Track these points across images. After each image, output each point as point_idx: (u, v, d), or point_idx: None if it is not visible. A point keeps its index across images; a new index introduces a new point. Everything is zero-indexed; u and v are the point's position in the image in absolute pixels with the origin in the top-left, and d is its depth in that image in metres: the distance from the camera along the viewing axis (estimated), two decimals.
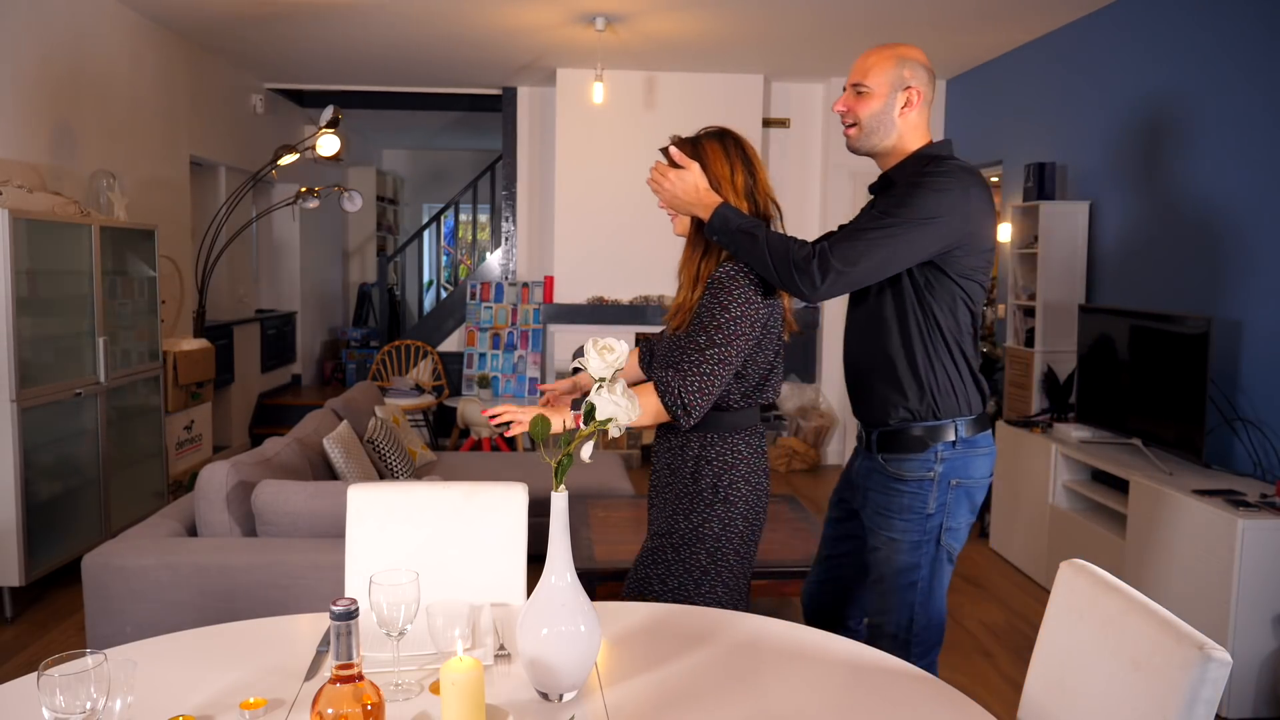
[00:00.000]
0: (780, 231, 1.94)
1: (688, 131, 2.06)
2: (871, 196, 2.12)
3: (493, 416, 1.81)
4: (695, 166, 1.94)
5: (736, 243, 1.88)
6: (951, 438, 1.95)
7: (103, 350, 4.12)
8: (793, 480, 6.23)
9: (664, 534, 2.01)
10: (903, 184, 1.94)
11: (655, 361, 2.05)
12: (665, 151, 1.99)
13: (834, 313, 6.65)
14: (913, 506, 1.97)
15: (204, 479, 2.77)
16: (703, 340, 1.86)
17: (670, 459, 2.03)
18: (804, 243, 1.88)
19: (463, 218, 10.91)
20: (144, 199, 5.15)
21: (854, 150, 2.06)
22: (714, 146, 1.98)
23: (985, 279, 1.98)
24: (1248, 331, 3.61)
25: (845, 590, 2.24)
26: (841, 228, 2.12)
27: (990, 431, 2.03)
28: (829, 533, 2.26)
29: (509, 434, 1.77)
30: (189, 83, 5.72)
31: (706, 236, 1.95)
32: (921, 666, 1.83)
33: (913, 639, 2.00)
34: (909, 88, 1.97)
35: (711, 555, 1.98)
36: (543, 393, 2.17)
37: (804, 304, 2.06)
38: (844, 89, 2.04)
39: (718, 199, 1.93)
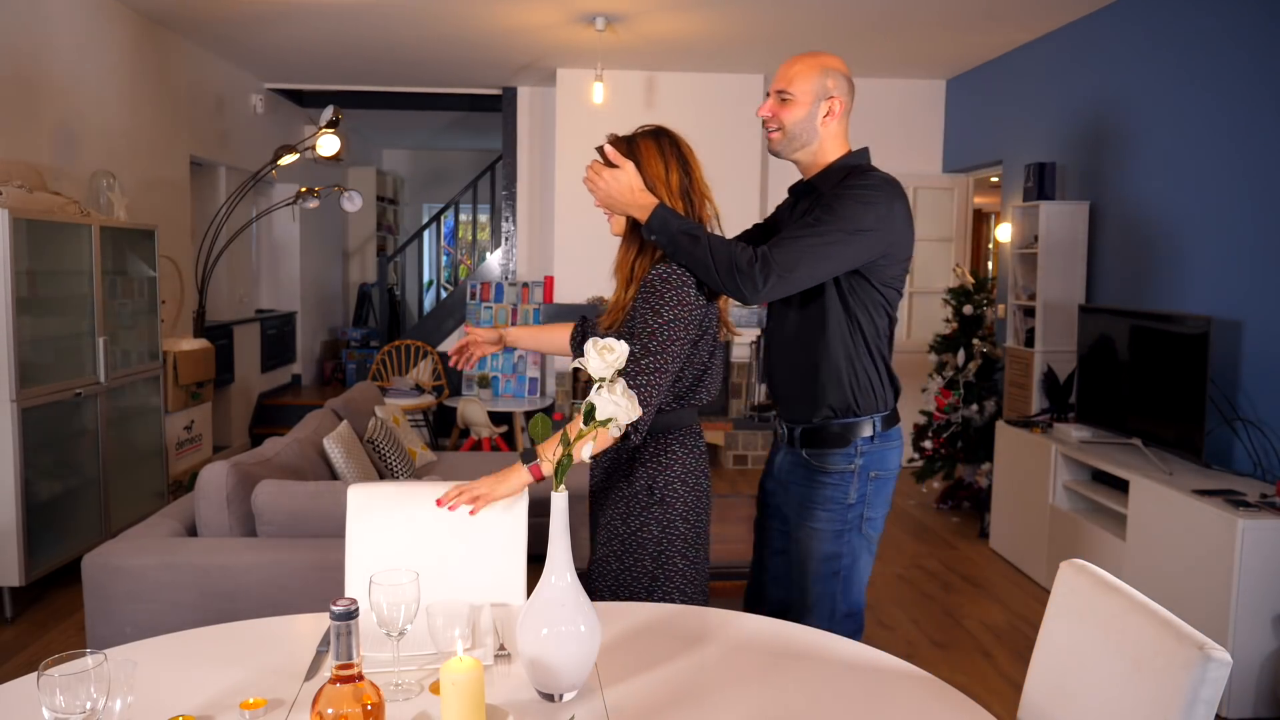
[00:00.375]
0: (717, 232, 1.97)
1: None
2: (790, 197, 2.21)
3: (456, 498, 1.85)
4: (630, 166, 1.93)
5: (676, 244, 1.89)
6: (870, 433, 2.05)
7: (103, 350, 4.12)
8: None
9: (606, 540, 1.99)
10: (832, 193, 1.99)
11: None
12: (601, 150, 1.98)
13: None
14: (834, 497, 2.06)
15: (204, 479, 2.77)
16: (637, 350, 1.85)
17: (607, 462, 2.03)
18: (745, 246, 1.92)
19: (463, 218, 10.91)
20: (144, 199, 5.15)
21: (775, 154, 2.11)
22: (649, 145, 1.96)
23: (903, 286, 2.09)
24: (1248, 331, 3.61)
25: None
26: (757, 226, 2.27)
27: (899, 425, 2.13)
28: (759, 536, 2.29)
29: (473, 514, 1.81)
30: (189, 83, 5.72)
31: (644, 237, 1.94)
32: None
33: (834, 628, 2.04)
34: (831, 97, 2.03)
35: (656, 560, 1.94)
36: (467, 332, 2.23)
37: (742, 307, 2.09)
38: (767, 94, 2.08)
39: (653, 199, 1.92)
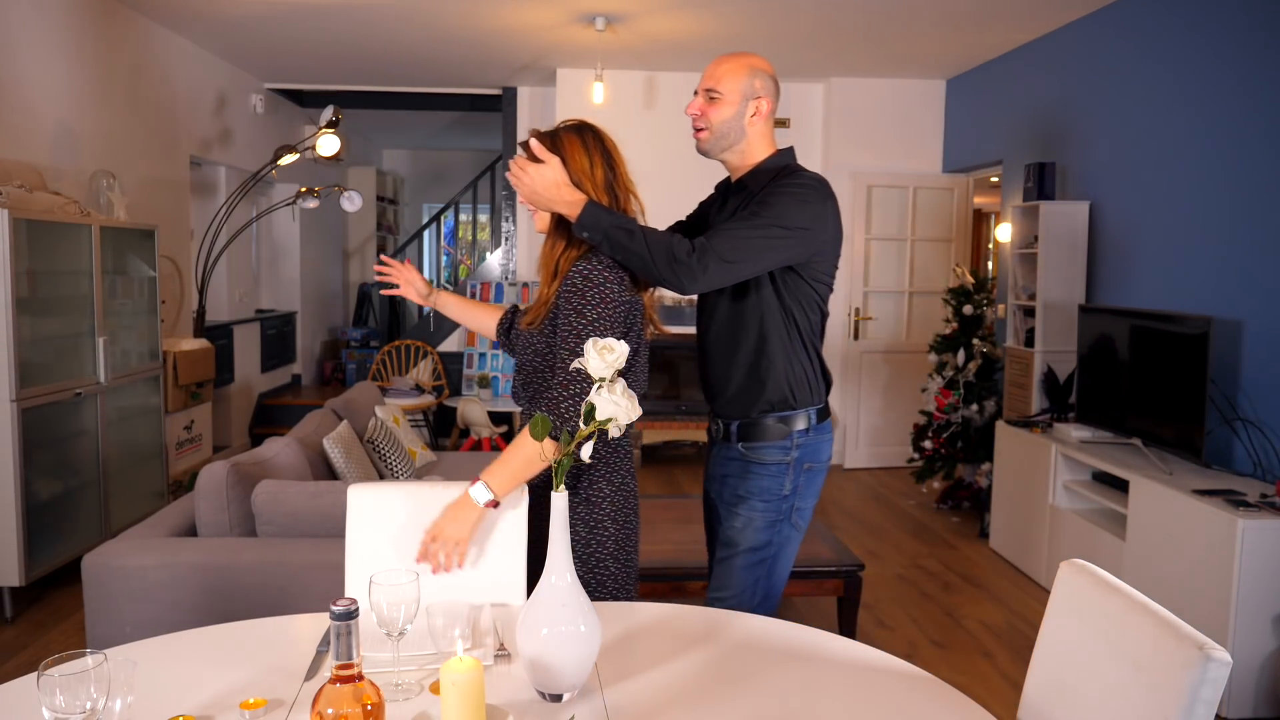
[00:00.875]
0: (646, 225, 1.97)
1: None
2: (716, 193, 2.23)
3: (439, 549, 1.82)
4: (555, 161, 1.91)
5: (611, 239, 1.87)
6: (805, 425, 2.10)
7: (103, 350, 4.12)
8: None
9: (536, 541, 1.94)
10: (766, 191, 2.02)
11: (518, 370, 2.00)
12: (525, 145, 1.96)
13: (834, 314, 6.65)
14: (770, 488, 2.10)
15: (204, 479, 2.77)
16: (565, 355, 1.82)
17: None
18: (682, 238, 1.93)
19: (463, 218, 10.92)
20: (144, 199, 5.15)
21: (703, 153, 2.13)
22: (573, 140, 1.94)
23: (833, 282, 2.13)
24: (1248, 331, 3.61)
25: None
26: (680, 223, 2.29)
27: (830, 418, 2.18)
28: (711, 537, 2.31)
29: (460, 565, 1.79)
30: (189, 83, 5.72)
31: (575, 234, 1.91)
32: None
33: (755, 610, 2.11)
34: (759, 97, 2.06)
35: (585, 563, 1.91)
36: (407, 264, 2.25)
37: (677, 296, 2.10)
38: (695, 93, 2.09)
39: (580, 195, 1.90)
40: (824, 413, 2.14)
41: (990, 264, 9.87)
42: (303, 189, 6.06)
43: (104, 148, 4.77)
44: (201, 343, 5.34)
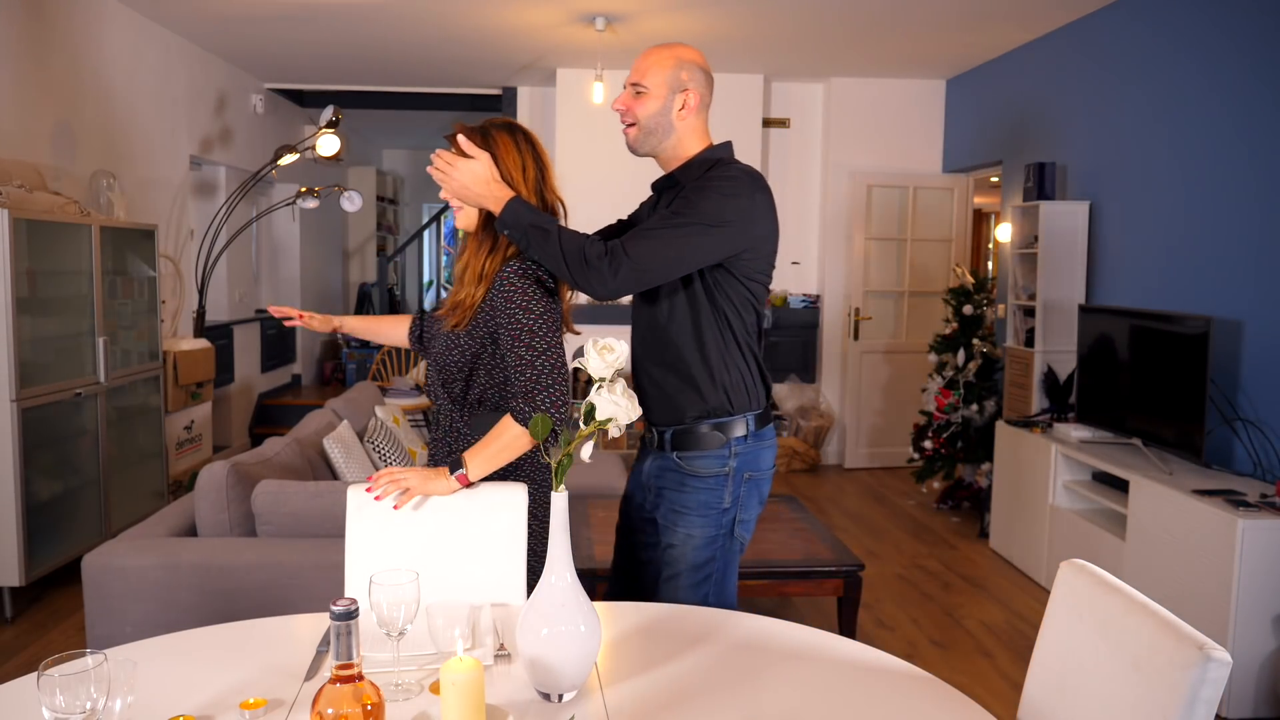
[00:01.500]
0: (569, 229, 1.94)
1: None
2: (653, 194, 2.15)
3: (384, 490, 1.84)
4: (485, 156, 1.89)
5: (529, 238, 1.85)
6: (743, 432, 1.99)
7: (103, 350, 4.12)
8: (793, 480, 6.23)
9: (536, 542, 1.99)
10: (692, 186, 1.95)
11: (436, 369, 1.98)
12: (452, 139, 1.94)
13: (832, 312, 6.66)
14: (709, 502, 2.00)
15: (204, 479, 2.77)
16: (528, 355, 1.83)
17: (461, 445, 2.00)
18: (596, 240, 1.88)
19: None
20: (144, 199, 5.15)
21: (634, 151, 2.06)
22: (505, 139, 1.93)
23: (769, 280, 2.04)
24: (1248, 331, 3.61)
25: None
26: (621, 222, 2.21)
27: (772, 424, 2.09)
28: (622, 542, 2.23)
29: (398, 506, 1.81)
30: (189, 83, 5.72)
31: (497, 230, 1.90)
32: None
33: None
34: (686, 90, 1.98)
35: (538, 562, 1.91)
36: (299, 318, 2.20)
37: (597, 301, 2.04)
38: (624, 86, 2.02)
39: (509, 191, 1.88)
40: (764, 418, 2.04)
41: (990, 264, 9.87)
42: (303, 189, 6.06)
43: (104, 148, 4.77)
44: (201, 343, 5.34)
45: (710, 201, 1.89)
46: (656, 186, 2.12)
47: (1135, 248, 4.36)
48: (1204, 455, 3.44)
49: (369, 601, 1.43)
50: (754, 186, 1.95)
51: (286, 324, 2.29)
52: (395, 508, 1.82)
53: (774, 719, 1.40)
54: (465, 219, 1.97)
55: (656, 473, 2.07)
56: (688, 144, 2.02)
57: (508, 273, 1.88)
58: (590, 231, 2.03)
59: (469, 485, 1.85)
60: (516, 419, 1.82)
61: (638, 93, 1.98)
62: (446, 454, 2.01)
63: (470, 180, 1.87)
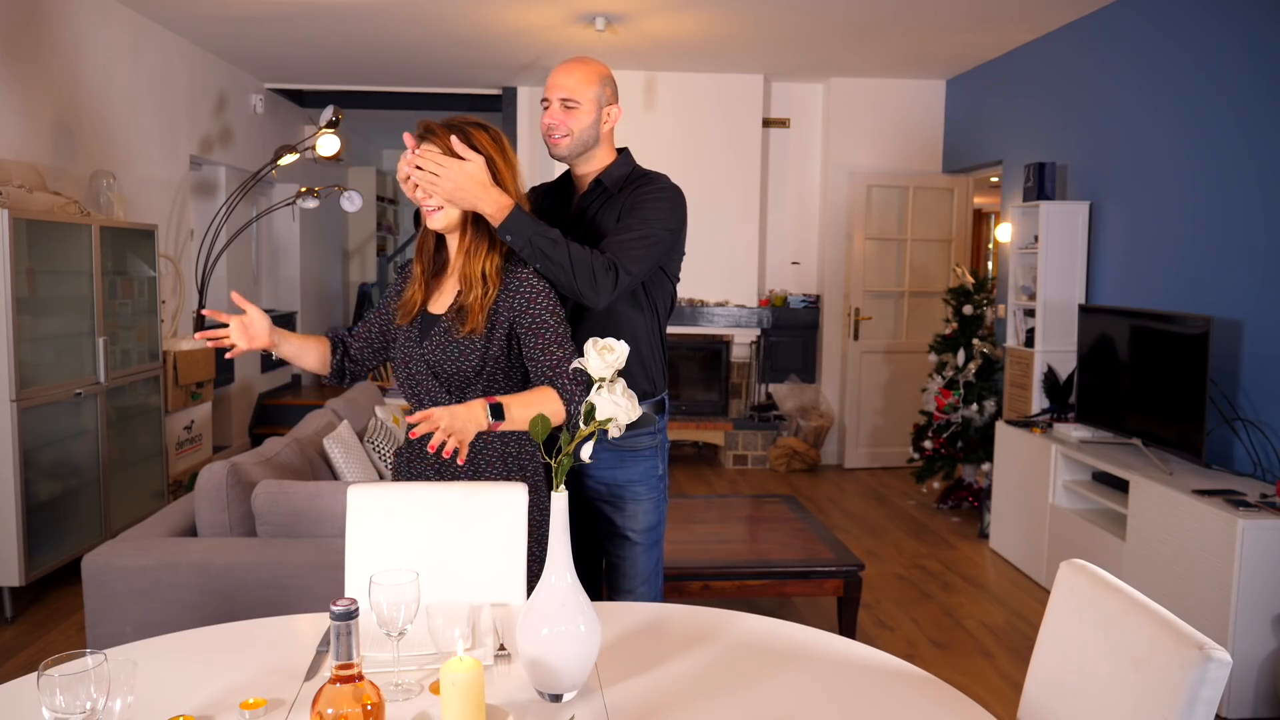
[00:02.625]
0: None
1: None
2: (543, 199, 2.28)
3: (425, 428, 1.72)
4: (479, 159, 1.87)
5: (535, 246, 1.90)
6: (662, 410, 2.27)
7: (103, 350, 4.12)
8: (793, 480, 6.23)
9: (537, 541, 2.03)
10: (636, 197, 2.11)
11: (438, 380, 1.95)
12: (427, 136, 1.88)
13: (832, 313, 6.66)
14: (649, 471, 2.24)
15: (204, 479, 2.77)
16: (560, 353, 1.88)
17: (493, 451, 1.99)
18: (597, 252, 2.00)
19: None
20: (144, 199, 5.15)
21: (560, 159, 2.18)
22: (488, 139, 1.92)
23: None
24: (1248, 331, 3.61)
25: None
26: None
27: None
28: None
29: (431, 448, 1.66)
30: (189, 83, 5.72)
31: (499, 235, 1.90)
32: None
33: (657, 590, 2.27)
34: (610, 104, 2.16)
35: (535, 562, 1.95)
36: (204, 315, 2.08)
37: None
38: (544, 102, 2.14)
39: (507, 196, 1.90)
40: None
41: (990, 264, 9.88)
42: (303, 189, 6.06)
43: (104, 148, 4.77)
44: (201, 343, 5.34)
45: (664, 212, 2.11)
46: (551, 189, 2.28)
47: (1135, 248, 4.36)
48: (1204, 455, 3.44)
49: (369, 601, 1.43)
50: (682, 194, 2.19)
51: (228, 355, 1.96)
52: (430, 449, 1.67)
53: (774, 719, 1.40)
54: (444, 220, 1.92)
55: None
56: (605, 152, 2.20)
57: (528, 275, 1.93)
58: None
59: (493, 430, 1.78)
60: (563, 396, 1.86)
61: (569, 107, 2.12)
62: (469, 464, 1.98)
63: (466, 183, 1.86)
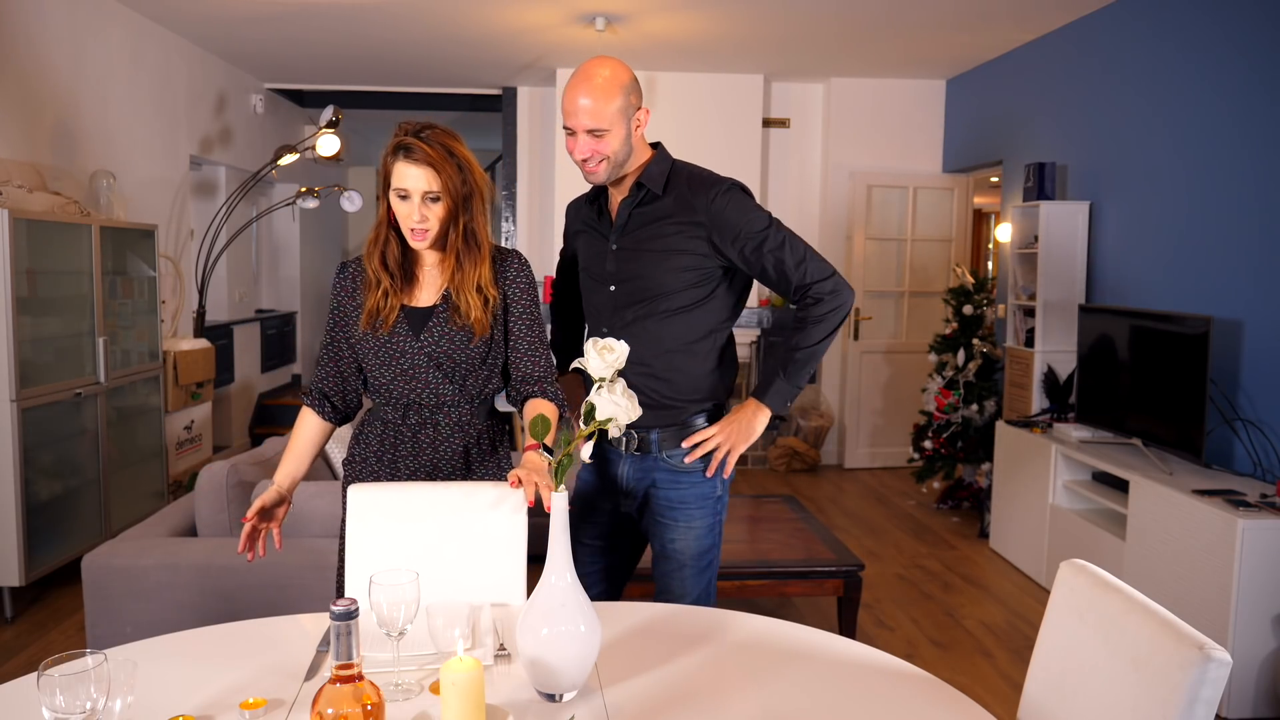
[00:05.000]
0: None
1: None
2: (588, 207, 2.17)
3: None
4: (739, 422, 2.00)
5: (803, 381, 2.03)
6: (720, 415, 2.11)
7: (103, 350, 4.12)
8: (793, 480, 6.23)
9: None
10: (724, 207, 1.99)
11: (526, 375, 2.00)
12: (416, 144, 1.84)
13: None
14: (705, 494, 2.09)
15: (204, 479, 2.78)
16: (540, 346, 2.00)
17: (470, 440, 2.02)
18: (819, 299, 1.98)
19: None
20: (144, 199, 5.15)
21: (601, 183, 2.07)
22: (469, 152, 1.93)
23: None
24: (1248, 331, 3.61)
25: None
26: (562, 259, 2.32)
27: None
28: (596, 545, 2.23)
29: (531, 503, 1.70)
30: (189, 83, 5.72)
31: (786, 410, 2.07)
32: None
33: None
34: (637, 109, 2.02)
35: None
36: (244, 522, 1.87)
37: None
38: (569, 131, 1.99)
39: (764, 406, 2.01)
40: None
41: (990, 264, 9.88)
42: (302, 189, 6.06)
43: (104, 148, 4.77)
44: (201, 343, 5.34)
45: (756, 212, 2.01)
46: (592, 196, 2.16)
47: (1135, 247, 4.36)
48: (1204, 455, 3.44)
49: (369, 601, 1.43)
50: (742, 187, 2.06)
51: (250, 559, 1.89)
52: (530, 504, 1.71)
53: (774, 719, 1.40)
54: (433, 237, 1.90)
55: (639, 475, 2.11)
56: (640, 153, 2.07)
57: (520, 265, 1.99)
58: (552, 273, 2.13)
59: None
60: (554, 401, 1.96)
61: (598, 136, 1.97)
62: (461, 451, 2.00)
63: (750, 433, 2.00)
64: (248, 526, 1.84)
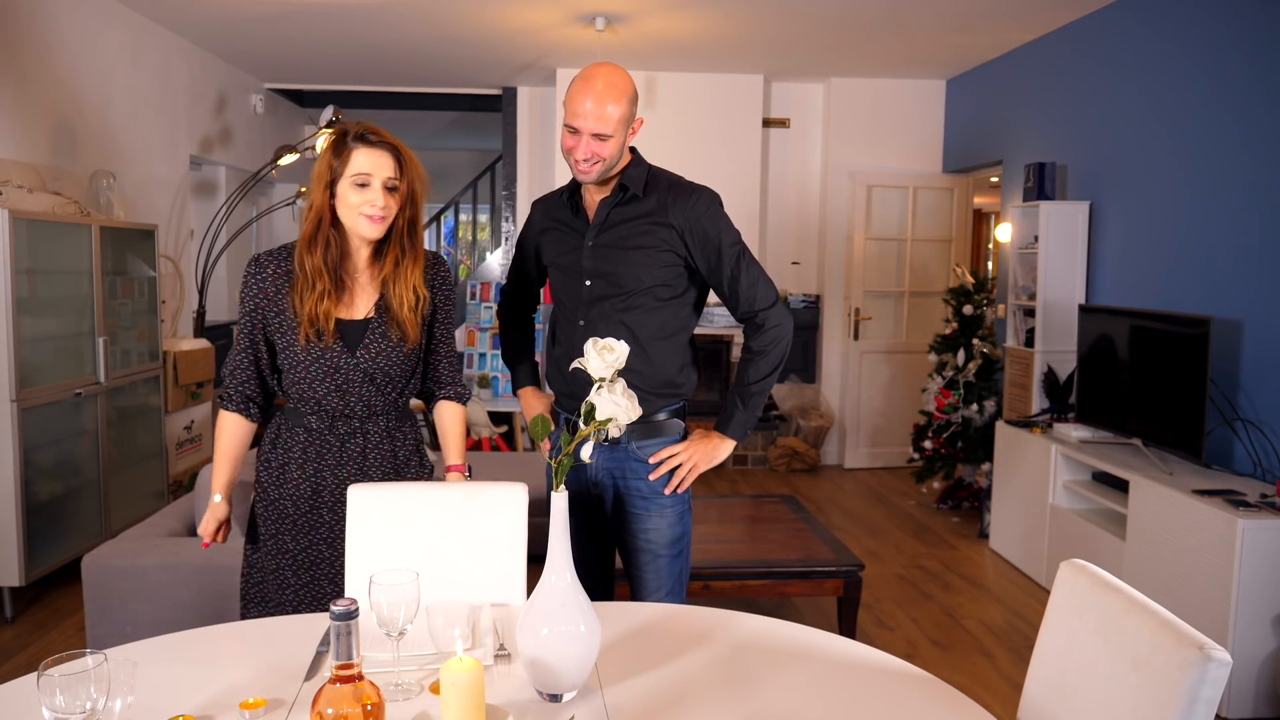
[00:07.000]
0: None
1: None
2: (560, 203, 2.23)
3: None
4: (705, 438, 2.14)
5: (756, 413, 2.18)
6: (685, 413, 2.24)
7: (103, 350, 4.11)
8: (793, 480, 6.23)
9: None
10: (698, 217, 2.09)
11: (438, 378, 2.12)
12: (380, 144, 1.90)
13: (832, 313, 6.66)
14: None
15: (204, 479, 2.77)
16: (451, 343, 2.10)
17: (397, 446, 2.06)
18: (763, 329, 2.13)
19: (463, 218, 10.91)
20: (144, 199, 5.15)
21: (590, 183, 2.13)
22: (416, 160, 1.95)
23: None
24: (1248, 331, 3.61)
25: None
26: (515, 268, 2.47)
27: None
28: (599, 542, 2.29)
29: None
30: (189, 83, 5.72)
31: (743, 438, 2.18)
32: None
33: (678, 595, 2.24)
34: (634, 119, 2.10)
35: None
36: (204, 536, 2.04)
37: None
38: (571, 130, 2.04)
39: (728, 438, 2.16)
40: None
41: (990, 264, 9.88)
42: (303, 189, 6.07)
43: (104, 148, 4.77)
44: (201, 343, 5.34)
45: (727, 227, 2.13)
46: (568, 192, 2.21)
47: (1135, 248, 4.36)
48: (1204, 455, 3.44)
49: (369, 601, 1.43)
50: (716, 198, 2.17)
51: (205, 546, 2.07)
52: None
53: (774, 719, 1.40)
54: (383, 229, 1.91)
55: (611, 465, 2.16)
56: (625, 157, 2.16)
57: (445, 269, 2.06)
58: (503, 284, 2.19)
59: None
60: (462, 404, 2.10)
61: (602, 140, 2.03)
62: (390, 456, 2.03)
63: (713, 455, 2.14)
64: (207, 539, 2.01)
